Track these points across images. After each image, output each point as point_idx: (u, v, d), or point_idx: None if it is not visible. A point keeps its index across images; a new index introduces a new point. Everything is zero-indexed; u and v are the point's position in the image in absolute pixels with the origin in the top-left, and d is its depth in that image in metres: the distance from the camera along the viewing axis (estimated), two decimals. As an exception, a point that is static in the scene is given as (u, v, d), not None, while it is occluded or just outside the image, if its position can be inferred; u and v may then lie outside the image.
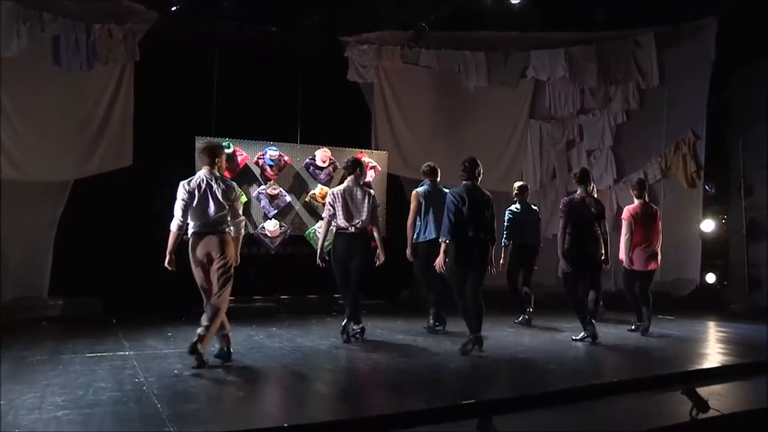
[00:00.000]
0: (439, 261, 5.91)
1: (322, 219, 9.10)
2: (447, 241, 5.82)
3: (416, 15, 9.37)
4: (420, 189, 7.37)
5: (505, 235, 7.86)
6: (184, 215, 5.17)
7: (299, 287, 9.19)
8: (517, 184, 8.33)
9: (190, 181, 5.26)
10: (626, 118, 10.57)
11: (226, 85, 9.20)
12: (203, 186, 5.20)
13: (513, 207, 8.03)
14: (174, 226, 5.18)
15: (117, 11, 8.44)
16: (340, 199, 6.56)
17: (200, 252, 5.16)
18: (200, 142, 5.63)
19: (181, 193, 5.19)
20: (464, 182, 6.01)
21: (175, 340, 6.47)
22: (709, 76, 9.72)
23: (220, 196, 5.18)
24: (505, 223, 7.89)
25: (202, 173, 5.30)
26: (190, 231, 5.21)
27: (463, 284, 5.86)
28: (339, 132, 9.65)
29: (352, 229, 6.53)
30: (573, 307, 6.64)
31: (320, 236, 6.84)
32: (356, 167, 6.70)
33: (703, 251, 9.98)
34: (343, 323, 6.49)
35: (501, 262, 7.68)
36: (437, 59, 10.29)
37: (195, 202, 5.16)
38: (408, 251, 7.28)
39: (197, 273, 5.21)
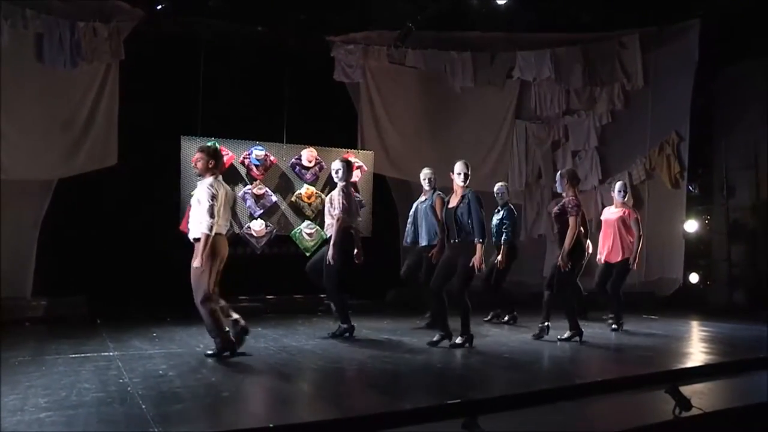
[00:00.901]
0: (480, 260, 5.92)
1: (308, 219, 9.23)
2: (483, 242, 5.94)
3: (404, 15, 9.39)
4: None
5: (508, 235, 7.73)
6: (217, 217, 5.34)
7: (285, 287, 9.16)
8: (506, 184, 8.29)
9: (215, 185, 5.39)
10: (611, 119, 10.65)
11: (211, 85, 9.15)
12: (226, 189, 5.49)
13: (511, 206, 7.93)
14: (212, 229, 5.27)
15: (102, 9, 8.36)
16: (350, 198, 6.63)
17: (223, 252, 5.41)
18: (208, 145, 5.73)
19: (212, 195, 5.30)
20: (467, 186, 6.13)
21: (160, 340, 6.44)
22: (692, 77, 9.84)
23: (230, 200, 5.62)
24: (506, 222, 7.72)
25: (214, 179, 5.42)
26: (214, 232, 5.31)
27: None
28: (325, 132, 9.63)
29: (356, 227, 6.72)
30: (567, 307, 6.63)
31: (333, 234, 6.51)
32: (351, 168, 6.90)
33: (687, 251, 10.10)
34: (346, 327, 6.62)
35: (500, 259, 7.65)
36: (424, 59, 10.30)
37: (222, 206, 5.38)
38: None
39: (211, 274, 5.32)
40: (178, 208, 8.46)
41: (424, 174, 7.45)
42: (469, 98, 10.53)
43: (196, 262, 5.27)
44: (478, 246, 5.89)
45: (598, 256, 7.59)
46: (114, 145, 8.57)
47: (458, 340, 6.07)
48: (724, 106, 10.42)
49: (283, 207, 9.27)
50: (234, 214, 8.88)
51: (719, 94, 10.44)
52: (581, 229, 6.53)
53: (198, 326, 7.30)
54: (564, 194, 6.67)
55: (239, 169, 9.04)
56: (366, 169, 9.66)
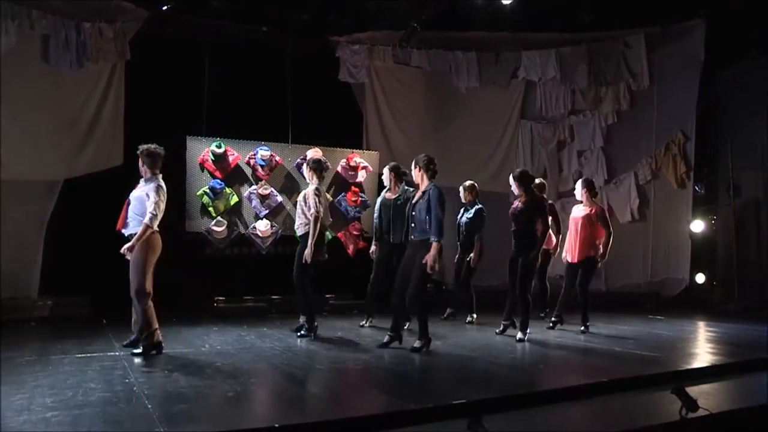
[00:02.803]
0: (434, 260, 5.57)
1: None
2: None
3: (408, 15, 9.38)
4: None
5: (481, 234, 7.76)
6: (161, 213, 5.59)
7: (290, 287, 9.14)
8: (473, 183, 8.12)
9: (162, 182, 5.70)
10: (617, 119, 10.62)
11: (217, 85, 9.15)
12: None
13: (480, 206, 7.88)
14: (154, 222, 5.52)
15: (107, 10, 8.39)
16: (324, 198, 6.77)
17: (159, 249, 5.59)
18: (151, 147, 5.80)
19: (159, 190, 5.59)
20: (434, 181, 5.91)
21: (166, 340, 6.40)
22: (698, 77, 9.82)
23: None
24: (481, 222, 7.75)
25: (157, 177, 5.69)
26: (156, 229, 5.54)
27: None
28: (330, 132, 9.64)
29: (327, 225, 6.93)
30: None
31: (311, 232, 6.63)
32: (322, 168, 6.94)
33: (693, 251, 10.06)
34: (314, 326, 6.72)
35: (474, 257, 7.70)
36: (428, 59, 10.30)
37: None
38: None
39: (148, 270, 5.52)
40: (183, 209, 8.49)
41: (389, 169, 7.50)
42: (474, 98, 10.52)
43: (123, 250, 5.47)
44: (434, 245, 5.52)
45: (564, 254, 7.53)
46: (120, 145, 8.58)
47: (416, 344, 5.78)
48: (730, 105, 10.38)
49: (288, 207, 9.26)
50: (240, 215, 8.96)
51: (725, 93, 10.40)
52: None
53: (203, 326, 7.36)
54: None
55: (245, 170, 9.05)
56: (371, 169, 9.65)
